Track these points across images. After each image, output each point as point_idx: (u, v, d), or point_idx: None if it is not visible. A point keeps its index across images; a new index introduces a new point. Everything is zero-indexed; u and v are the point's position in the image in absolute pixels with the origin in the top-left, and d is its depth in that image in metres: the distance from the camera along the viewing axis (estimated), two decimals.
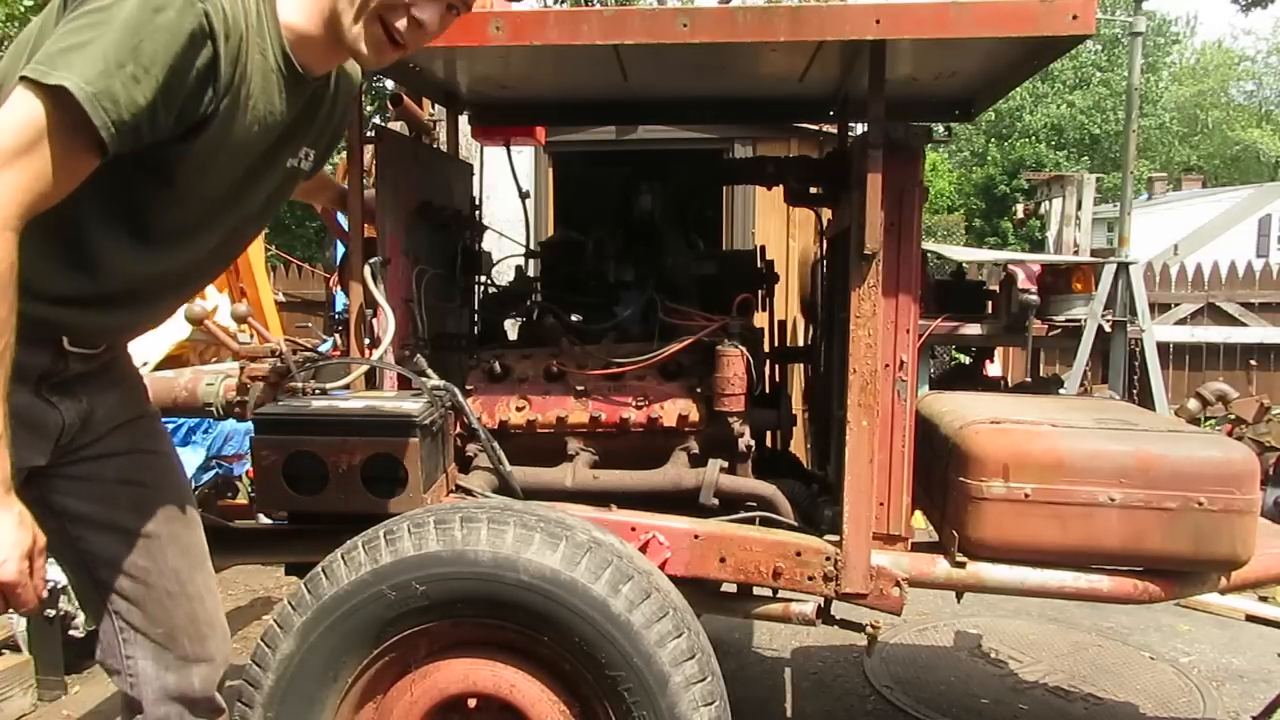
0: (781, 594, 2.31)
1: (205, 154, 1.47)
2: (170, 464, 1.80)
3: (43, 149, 1.28)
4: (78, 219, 1.45)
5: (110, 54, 1.28)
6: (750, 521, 2.27)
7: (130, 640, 1.70)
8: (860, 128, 2.56)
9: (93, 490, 1.64)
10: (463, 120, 3.10)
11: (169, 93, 1.35)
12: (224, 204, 1.61)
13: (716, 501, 2.27)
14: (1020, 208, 9.83)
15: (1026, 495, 2.06)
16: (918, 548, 2.21)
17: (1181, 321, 7.94)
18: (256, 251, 4.91)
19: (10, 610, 1.37)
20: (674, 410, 2.39)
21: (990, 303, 5.44)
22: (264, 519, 2.59)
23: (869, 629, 2.34)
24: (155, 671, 1.71)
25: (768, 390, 2.89)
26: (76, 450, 1.62)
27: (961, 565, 2.14)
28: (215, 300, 3.93)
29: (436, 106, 3.26)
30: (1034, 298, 5.24)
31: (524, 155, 5.92)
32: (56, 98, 1.27)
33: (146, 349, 3.50)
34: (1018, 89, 5.70)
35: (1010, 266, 5.58)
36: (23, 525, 1.34)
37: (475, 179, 3.10)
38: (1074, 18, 1.86)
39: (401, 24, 1.51)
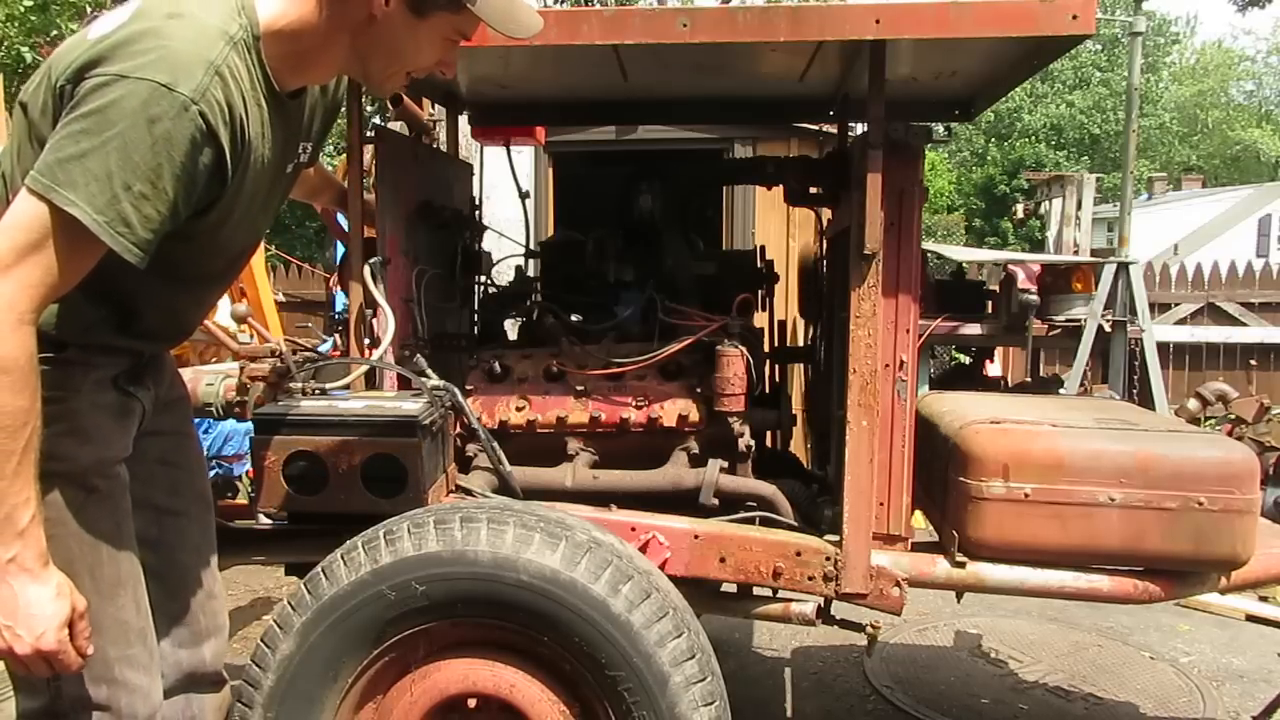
0: (781, 594, 2.31)
1: (223, 214, 1.55)
2: (198, 446, 1.93)
3: (50, 248, 1.33)
4: (114, 281, 1.50)
5: (115, 176, 1.33)
6: (750, 521, 2.27)
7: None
8: (860, 128, 2.57)
9: (134, 470, 1.70)
10: (463, 120, 3.10)
11: (185, 194, 1.42)
12: (243, 232, 1.69)
13: (716, 501, 2.27)
14: (1020, 208, 9.84)
15: (1026, 495, 2.06)
16: (918, 548, 2.21)
17: (1181, 321, 7.94)
18: (256, 251, 4.91)
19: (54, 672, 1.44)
20: (674, 410, 2.39)
21: (990, 303, 5.44)
22: (264, 519, 2.59)
23: (869, 629, 2.34)
24: (170, 647, 1.79)
25: (768, 390, 2.89)
26: (140, 432, 1.70)
27: (961, 565, 2.14)
28: None
29: (436, 106, 3.25)
30: (1034, 298, 5.23)
31: (524, 155, 5.92)
32: (64, 215, 1.32)
33: None
34: (1018, 89, 5.70)
35: (1010, 266, 5.57)
36: (60, 596, 1.40)
37: (475, 179, 3.10)
38: (1074, 18, 1.85)
39: (423, 73, 1.60)
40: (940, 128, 7.68)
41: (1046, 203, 8.30)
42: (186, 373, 2.57)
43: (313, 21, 1.52)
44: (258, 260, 4.89)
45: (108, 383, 1.57)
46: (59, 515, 1.49)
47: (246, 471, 4.75)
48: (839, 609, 2.27)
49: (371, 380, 2.30)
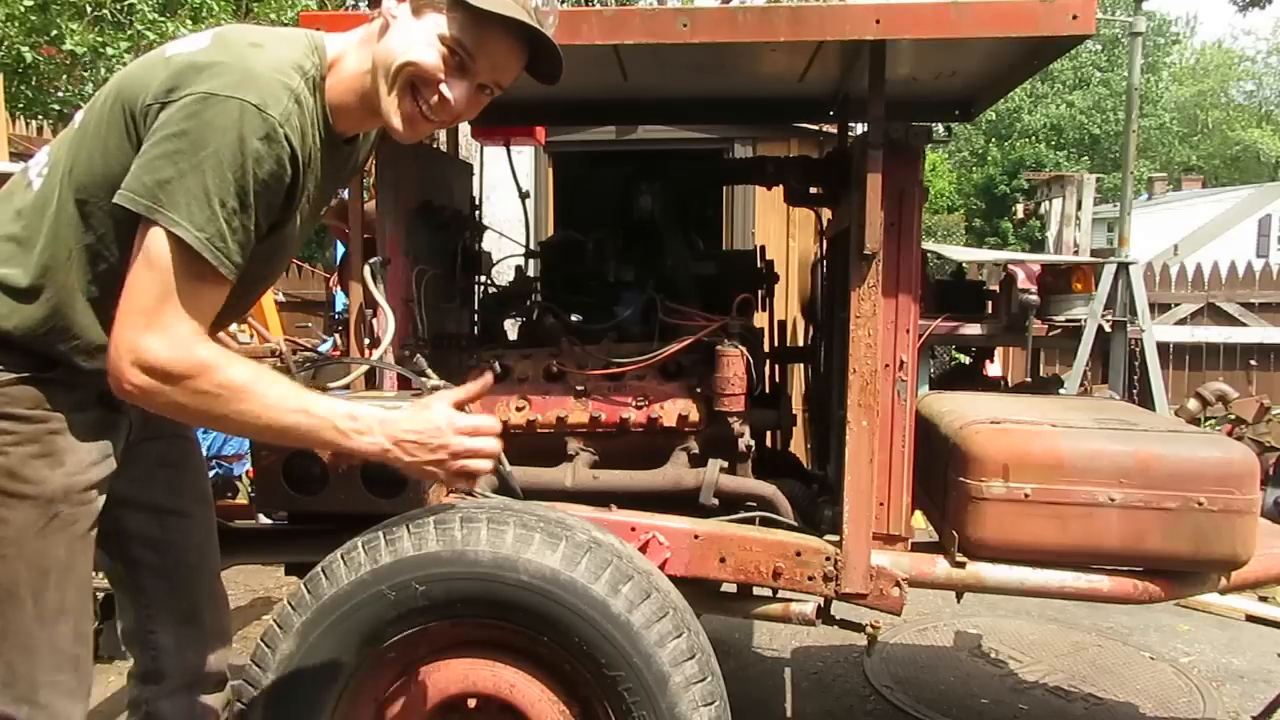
0: (781, 594, 2.31)
1: (275, 242, 1.58)
2: (196, 449, 1.93)
3: (181, 278, 1.39)
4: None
5: (213, 194, 1.37)
6: (750, 521, 2.27)
7: (155, 616, 1.80)
8: (860, 128, 2.57)
9: (133, 472, 1.71)
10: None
11: (265, 214, 1.46)
12: (266, 265, 1.70)
13: (716, 501, 2.27)
14: (1020, 208, 9.85)
15: (1026, 495, 2.06)
16: (918, 548, 2.21)
17: (1181, 321, 7.93)
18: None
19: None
20: (674, 410, 2.39)
21: (990, 303, 5.43)
22: (264, 519, 2.60)
23: (869, 629, 2.34)
24: (175, 647, 1.81)
25: (768, 390, 2.89)
26: (131, 442, 1.71)
27: (961, 565, 2.14)
28: None
29: None
30: (1034, 298, 5.23)
31: (524, 155, 5.92)
32: (177, 241, 1.37)
33: None
34: (1018, 89, 5.70)
35: (1010, 266, 5.57)
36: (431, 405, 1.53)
37: (475, 179, 3.10)
38: (1074, 18, 1.86)
39: (433, 100, 1.55)
40: (940, 128, 7.68)
41: (1046, 203, 8.30)
42: None
43: (363, 67, 1.55)
44: None
45: (93, 400, 1.56)
46: (15, 536, 1.50)
47: (246, 471, 4.75)
48: (839, 609, 2.27)
49: (371, 380, 2.30)
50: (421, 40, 1.51)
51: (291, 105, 1.44)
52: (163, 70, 1.43)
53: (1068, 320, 5.42)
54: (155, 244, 1.38)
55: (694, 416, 2.38)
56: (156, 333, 1.38)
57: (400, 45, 1.51)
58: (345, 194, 2.38)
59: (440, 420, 1.51)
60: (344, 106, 1.58)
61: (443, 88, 1.53)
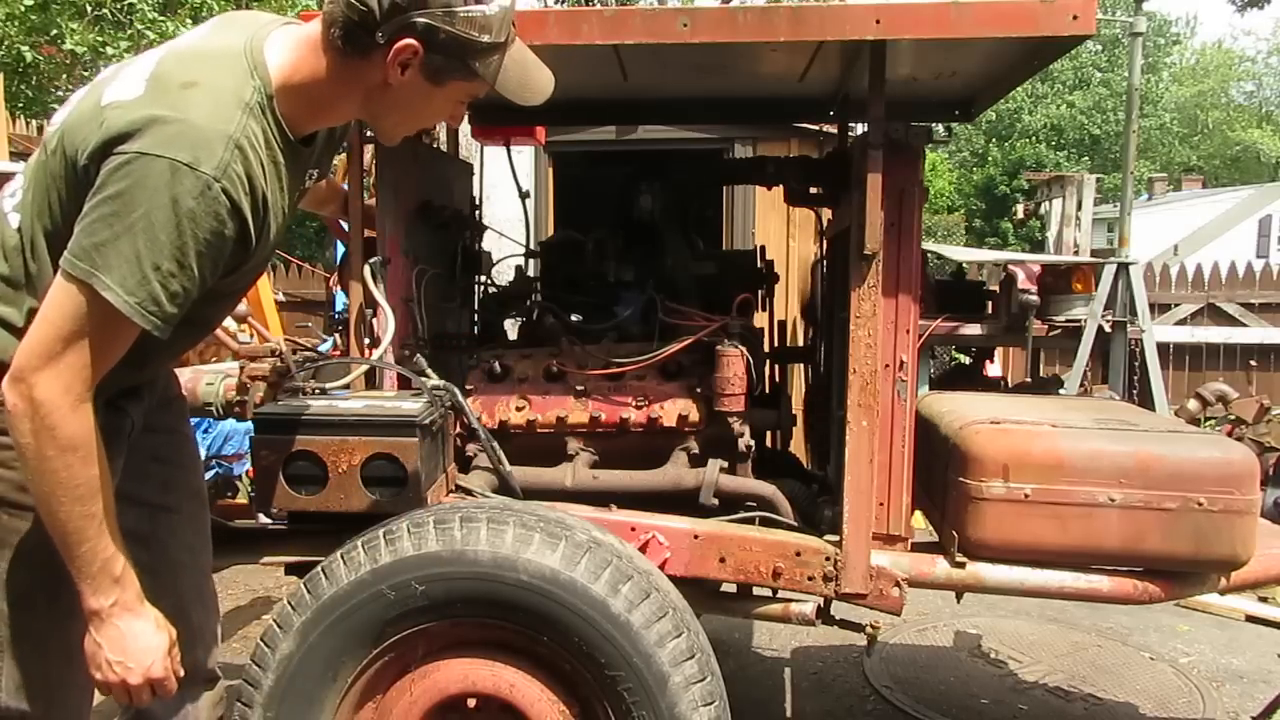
0: (781, 594, 2.31)
1: (246, 269, 1.60)
2: (193, 445, 1.96)
3: (93, 332, 1.38)
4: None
5: (144, 257, 1.35)
6: (750, 521, 2.27)
7: None
8: (860, 128, 2.57)
9: (127, 466, 1.71)
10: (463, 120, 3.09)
11: (211, 267, 1.45)
12: (252, 274, 1.73)
13: (716, 501, 2.27)
14: (1020, 208, 9.85)
15: (1026, 495, 2.06)
16: (918, 548, 2.21)
17: (1181, 322, 7.93)
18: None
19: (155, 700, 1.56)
20: (674, 410, 2.39)
21: (990, 303, 5.43)
22: (264, 519, 2.59)
23: (869, 629, 2.34)
24: None
25: (768, 390, 2.89)
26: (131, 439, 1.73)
27: (961, 565, 2.14)
28: None
29: None
30: (1034, 298, 5.22)
31: (524, 155, 5.92)
32: (101, 299, 1.35)
33: None
34: (1018, 89, 5.70)
35: (1010, 266, 5.56)
36: (160, 628, 1.53)
37: (475, 179, 3.10)
38: (1074, 18, 1.86)
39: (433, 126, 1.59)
40: (940, 128, 7.68)
41: (1046, 203, 8.30)
42: (186, 372, 2.58)
43: (325, 78, 1.53)
44: None
45: (98, 408, 1.54)
46: (28, 545, 1.52)
47: (246, 471, 4.75)
48: (839, 609, 2.27)
49: (371, 380, 2.30)
50: (446, 107, 1.61)
51: (228, 154, 1.40)
52: (98, 124, 1.39)
53: (1068, 320, 5.41)
54: (77, 303, 1.37)
55: (694, 416, 2.38)
56: (56, 370, 1.37)
57: (422, 112, 1.61)
58: (345, 186, 2.38)
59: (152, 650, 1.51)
60: (299, 115, 1.56)
61: (449, 120, 1.67)
